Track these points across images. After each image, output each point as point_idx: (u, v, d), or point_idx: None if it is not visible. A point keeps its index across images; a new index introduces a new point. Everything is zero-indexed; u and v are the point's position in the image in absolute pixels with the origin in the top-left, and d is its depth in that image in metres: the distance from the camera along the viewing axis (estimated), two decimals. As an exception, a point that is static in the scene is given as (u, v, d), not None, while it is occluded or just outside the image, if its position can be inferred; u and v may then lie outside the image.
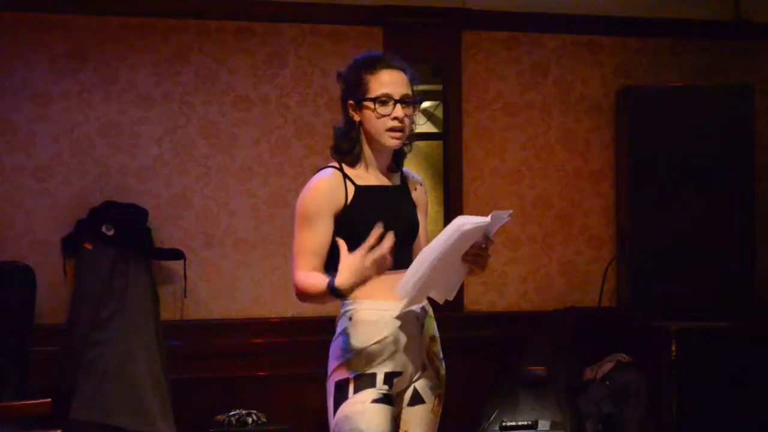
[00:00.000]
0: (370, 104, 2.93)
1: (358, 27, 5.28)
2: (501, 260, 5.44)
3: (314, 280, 2.83)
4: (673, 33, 5.70)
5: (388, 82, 2.94)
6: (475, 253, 2.88)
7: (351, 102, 2.97)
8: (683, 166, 5.27)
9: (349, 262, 2.72)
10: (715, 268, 5.25)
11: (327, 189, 2.91)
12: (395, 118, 2.92)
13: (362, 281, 2.72)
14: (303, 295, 2.88)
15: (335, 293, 2.75)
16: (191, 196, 5.08)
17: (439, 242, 2.77)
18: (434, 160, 5.53)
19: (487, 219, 2.78)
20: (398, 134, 2.94)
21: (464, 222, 2.76)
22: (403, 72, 2.98)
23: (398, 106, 2.93)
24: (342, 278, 2.72)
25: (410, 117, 2.97)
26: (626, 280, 5.43)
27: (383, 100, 2.92)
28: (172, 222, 5.04)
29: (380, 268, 2.71)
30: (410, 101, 2.96)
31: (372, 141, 2.97)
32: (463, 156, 5.41)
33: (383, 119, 2.92)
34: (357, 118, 2.97)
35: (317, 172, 2.99)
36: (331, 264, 2.86)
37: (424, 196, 3.16)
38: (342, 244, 2.75)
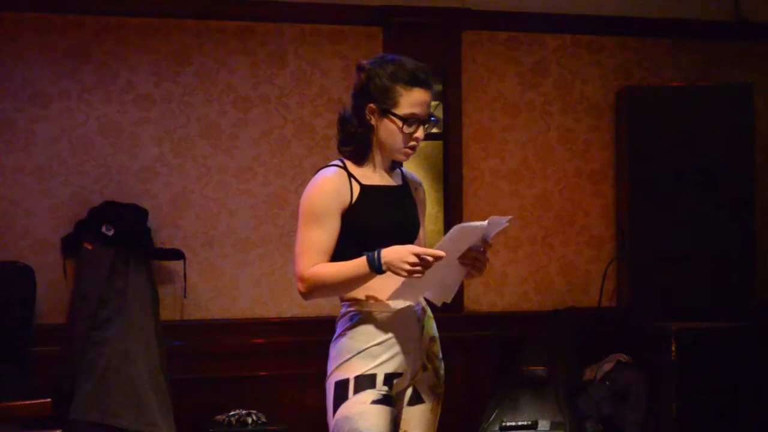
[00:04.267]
0: (397, 121, 2.90)
1: (358, 27, 5.28)
2: (501, 260, 5.44)
3: (335, 266, 2.83)
4: (673, 33, 5.69)
5: (419, 102, 2.90)
6: (473, 257, 2.88)
7: (372, 106, 2.93)
8: (683, 166, 5.26)
9: (395, 247, 2.75)
10: (716, 269, 5.25)
11: (333, 187, 2.90)
12: (415, 138, 2.93)
13: (396, 266, 2.72)
14: (316, 286, 2.85)
15: (374, 262, 2.75)
16: (191, 196, 5.08)
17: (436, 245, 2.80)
18: (434, 160, 5.51)
19: (484, 223, 2.79)
20: (413, 152, 2.96)
21: (462, 226, 2.79)
22: (431, 90, 2.94)
23: (421, 128, 2.92)
24: (386, 252, 2.75)
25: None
26: (626, 280, 5.43)
27: (411, 121, 2.90)
28: (172, 222, 5.04)
29: (414, 272, 2.72)
30: (430, 121, 2.95)
31: (384, 149, 2.96)
32: (462, 156, 5.41)
33: (404, 137, 2.91)
34: (373, 122, 2.94)
35: (319, 170, 2.97)
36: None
37: (423, 196, 3.16)
38: None
